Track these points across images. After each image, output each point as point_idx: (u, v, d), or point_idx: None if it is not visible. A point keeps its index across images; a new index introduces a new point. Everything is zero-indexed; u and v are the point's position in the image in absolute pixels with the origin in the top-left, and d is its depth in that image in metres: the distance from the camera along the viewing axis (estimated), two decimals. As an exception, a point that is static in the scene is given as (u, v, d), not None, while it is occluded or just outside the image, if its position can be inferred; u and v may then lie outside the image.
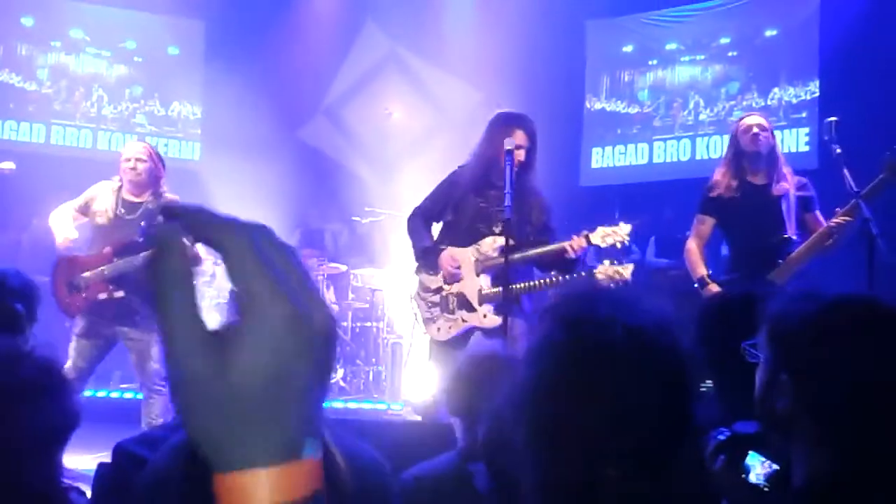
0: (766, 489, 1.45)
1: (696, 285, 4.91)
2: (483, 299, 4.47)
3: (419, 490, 1.58)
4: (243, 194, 10.60)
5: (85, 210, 5.15)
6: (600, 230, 4.50)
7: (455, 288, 4.50)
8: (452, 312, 4.48)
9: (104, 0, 11.72)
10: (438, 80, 12.30)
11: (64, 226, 4.97)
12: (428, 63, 12.33)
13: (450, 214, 4.55)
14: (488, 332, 4.41)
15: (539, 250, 4.41)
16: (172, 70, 12.19)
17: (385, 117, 12.33)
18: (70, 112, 11.72)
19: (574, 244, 4.34)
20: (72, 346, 5.01)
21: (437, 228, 4.75)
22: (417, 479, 1.61)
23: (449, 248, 4.50)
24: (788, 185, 4.76)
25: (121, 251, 4.89)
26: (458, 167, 4.72)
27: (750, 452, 1.46)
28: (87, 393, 7.93)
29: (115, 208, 5.04)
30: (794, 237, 4.73)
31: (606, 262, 4.45)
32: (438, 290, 4.54)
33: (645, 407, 1.07)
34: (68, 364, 4.94)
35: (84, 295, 4.96)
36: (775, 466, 1.44)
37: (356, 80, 12.42)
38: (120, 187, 5.16)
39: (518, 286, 4.34)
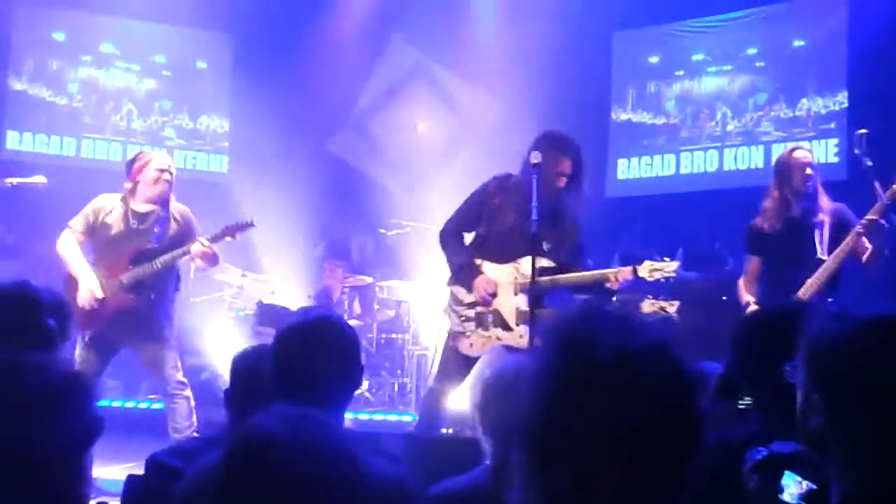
0: None
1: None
2: (521, 319, 4.42)
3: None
4: (271, 206, 10.66)
5: (91, 230, 5.14)
6: (647, 264, 4.47)
7: (492, 305, 4.45)
8: (487, 329, 4.44)
9: (134, 14, 11.86)
10: (465, 91, 12.33)
11: (89, 276, 4.92)
12: (455, 75, 12.37)
13: (483, 227, 4.53)
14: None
15: (581, 275, 4.38)
16: (201, 84, 12.32)
17: (412, 129, 12.38)
18: (100, 126, 11.86)
19: (618, 275, 4.32)
20: (77, 354, 4.97)
21: (468, 237, 4.70)
22: (445, 496, 1.61)
23: (485, 265, 4.47)
24: (825, 215, 4.74)
25: (136, 259, 4.92)
26: (493, 178, 4.67)
27: (786, 472, 1.45)
28: (117, 403, 8.03)
29: (126, 219, 5.03)
30: (825, 258, 4.70)
31: (650, 298, 4.43)
32: (473, 304, 4.49)
33: (635, 432, 1.06)
34: (75, 365, 4.92)
35: (99, 308, 4.98)
36: (812, 486, 1.43)
37: (383, 92, 12.49)
38: (125, 198, 5.10)
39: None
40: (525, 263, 4.34)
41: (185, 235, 5.11)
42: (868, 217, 4.51)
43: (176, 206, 5.24)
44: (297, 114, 12.03)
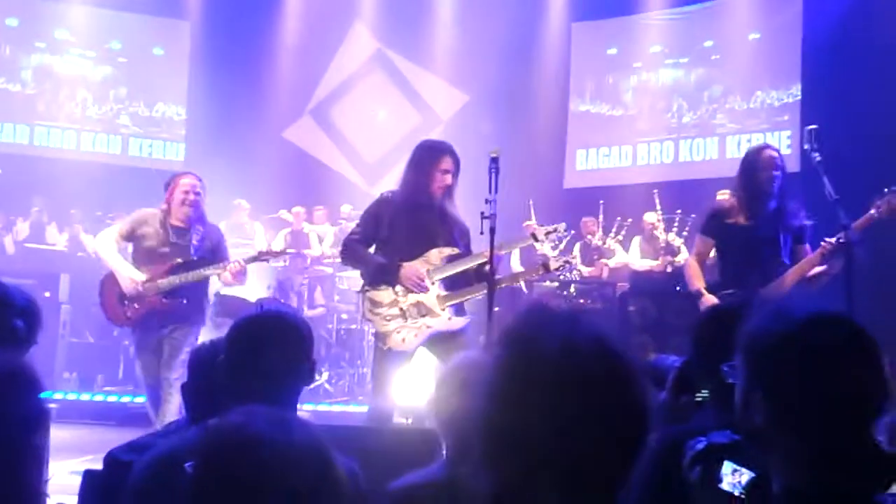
0: (742, 498, 1.48)
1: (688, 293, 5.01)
2: (443, 303, 4.69)
3: (408, 502, 1.61)
4: (228, 195, 10.59)
5: (130, 236, 5.55)
6: (542, 228, 5.03)
7: (411, 298, 4.68)
8: (416, 320, 4.67)
9: (89, 0, 11.68)
10: (424, 81, 12.33)
11: (127, 266, 5.46)
12: (414, 64, 12.37)
13: (385, 232, 4.77)
14: (452, 335, 4.64)
15: (470, 263, 4.71)
16: (157, 71, 12.16)
17: (371, 118, 12.36)
18: (54, 113, 11.68)
19: (486, 253, 4.60)
20: (137, 367, 5.49)
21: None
22: (404, 491, 1.63)
23: (404, 263, 4.71)
24: (786, 216, 4.82)
25: (175, 269, 5.40)
26: (383, 193, 5.00)
27: (725, 461, 1.50)
28: (72, 396, 7.94)
29: (165, 234, 5.47)
30: (787, 262, 4.79)
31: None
32: (394, 302, 4.70)
33: (580, 424, 1.10)
34: (141, 379, 5.43)
35: (136, 305, 5.41)
36: (749, 475, 1.47)
37: (342, 80, 12.44)
38: (165, 214, 5.54)
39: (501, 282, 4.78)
40: (433, 255, 4.69)
41: (214, 251, 5.60)
42: (829, 242, 4.60)
43: (209, 224, 5.78)
44: (255, 102, 11.95)
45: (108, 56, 11.96)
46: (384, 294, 4.70)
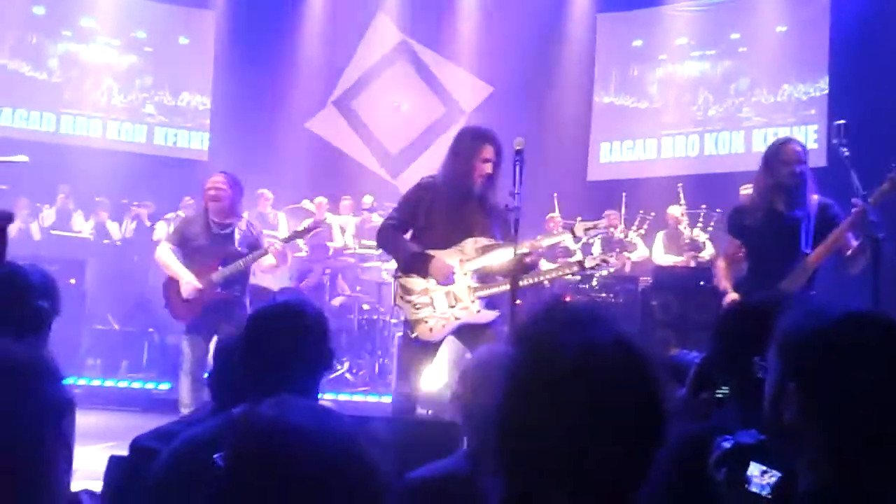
0: (769, 498, 1.47)
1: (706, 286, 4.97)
2: (473, 294, 4.62)
3: (425, 493, 1.60)
4: (251, 185, 10.61)
5: (181, 241, 5.92)
6: (581, 224, 4.79)
7: (445, 288, 4.64)
8: (444, 311, 4.62)
9: (115, -11, 11.75)
10: (448, 72, 12.30)
11: (186, 273, 5.74)
12: (438, 55, 12.34)
13: (422, 220, 4.72)
14: (480, 328, 4.59)
15: (506, 256, 4.55)
16: (182, 60, 12.22)
17: (394, 109, 12.36)
18: (80, 101, 11.76)
19: (533, 245, 4.55)
20: (185, 345, 5.80)
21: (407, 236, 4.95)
22: (424, 481, 1.63)
23: (435, 252, 4.66)
24: (811, 209, 4.75)
25: (225, 261, 5.71)
26: (424, 178, 4.92)
27: (752, 462, 1.48)
28: (97, 382, 8.02)
29: (209, 230, 5.81)
30: (808, 252, 4.73)
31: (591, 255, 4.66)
32: (424, 291, 4.66)
33: (597, 423, 1.09)
34: (186, 357, 5.69)
35: (198, 299, 5.75)
36: (777, 475, 1.46)
37: (366, 71, 12.43)
38: (206, 211, 5.88)
39: (527, 281, 4.58)
40: (468, 246, 4.62)
41: (253, 239, 5.91)
42: (849, 221, 4.54)
43: (246, 220, 6.15)
44: (279, 92, 11.98)
45: (134, 45, 12.02)
46: (416, 282, 4.67)
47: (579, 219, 4.96)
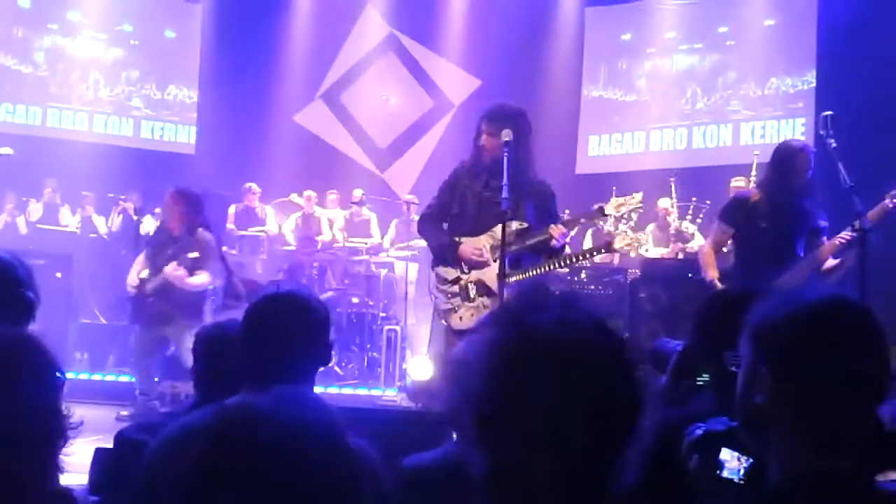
0: (741, 483, 1.49)
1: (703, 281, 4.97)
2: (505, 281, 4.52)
3: (421, 480, 1.60)
4: (238, 178, 10.60)
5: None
6: (613, 200, 4.68)
7: (474, 276, 4.61)
8: (473, 300, 4.59)
9: (101, -18, 11.68)
10: (436, 65, 12.28)
11: (135, 274, 6.55)
12: (426, 48, 12.32)
13: (456, 207, 4.68)
14: None
15: (533, 240, 4.54)
16: (169, 53, 12.16)
17: (382, 103, 12.33)
18: (66, 95, 11.68)
19: (554, 232, 4.44)
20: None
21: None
22: (418, 470, 1.63)
23: (463, 240, 4.62)
24: (811, 215, 4.77)
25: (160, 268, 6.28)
26: (460, 162, 4.82)
27: (723, 448, 1.50)
28: (83, 376, 7.98)
29: (164, 237, 6.41)
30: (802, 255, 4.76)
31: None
32: (456, 280, 4.64)
33: (571, 405, 1.10)
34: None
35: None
36: (749, 460, 1.47)
37: (354, 64, 12.40)
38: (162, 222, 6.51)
39: (533, 271, 4.50)
40: (498, 231, 4.43)
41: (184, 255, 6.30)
42: (844, 235, 4.57)
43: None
44: (266, 85, 11.93)
45: (121, 38, 11.95)
46: (449, 271, 4.65)
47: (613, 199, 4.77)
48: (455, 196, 4.67)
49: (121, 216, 10.28)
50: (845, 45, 9.28)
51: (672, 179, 9.41)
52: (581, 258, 5.02)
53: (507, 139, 4.29)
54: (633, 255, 8.42)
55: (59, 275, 8.60)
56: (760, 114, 10.46)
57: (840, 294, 1.40)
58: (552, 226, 4.37)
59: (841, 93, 8.83)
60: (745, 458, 1.49)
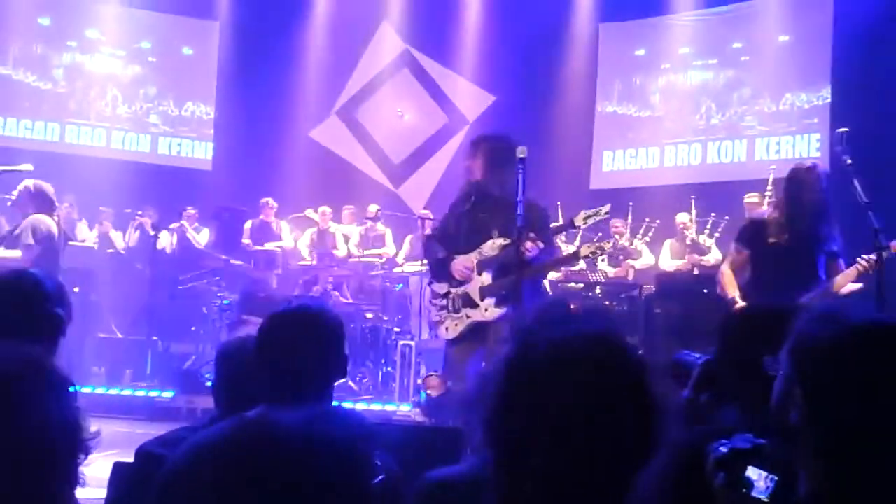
0: (767, 501, 1.47)
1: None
2: (484, 293, 4.81)
3: (445, 493, 1.61)
4: (254, 194, 10.66)
5: None
6: (582, 213, 4.99)
7: (461, 289, 4.88)
8: (458, 311, 4.86)
9: (120, 0, 11.80)
10: (451, 81, 12.34)
11: None
12: (441, 65, 12.38)
13: (453, 227, 4.99)
14: (488, 326, 4.74)
15: (503, 251, 4.78)
16: (186, 70, 12.27)
17: (397, 119, 12.39)
18: (84, 111, 11.80)
19: (530, 242, 4.62)
20: None
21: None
22: (443, 482, 1.63)
23: (458, 257, 4.91)
24: (825, 235, 4.76)
25: None
26: (465, 182, 5.10)
27: (749, 467, 1.48)
28: (100, 390, 8.03)
29: None
30: (823, 278, 4.73)
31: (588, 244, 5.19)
32: (446, 294, 4.93)
33: (572, 414, 1.11)
34: None
35: None
36: (774, 478, 1.46)
37: (369, 81, 12.47)
38: None
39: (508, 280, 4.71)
40: (486, 247, 4.83)
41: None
42: (868, 259, 4.56)
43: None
44: (282, 102, 12.02)
45: (139, 55, 12.07)
46: (441, 286, 4.97)
47: (555, 224, 5.27)
48: (453, 217, 5.02)
49: (138, 231, 10.35)
50: (860, 60, 9.27)
51: (693, 198, 9.40)
52: (553, 266, 5.65)
53: (521, 156, 4.34)
54: (599, 261, 8.50)
55: (76, 289, 8.66)
56: (775, 129, 10.44)
57: (882, 318, 1.34)
58: (527, 239, 4.49)
59: (856, 108, 8.82)
60: (772, 476, 1.47)
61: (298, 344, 2.13)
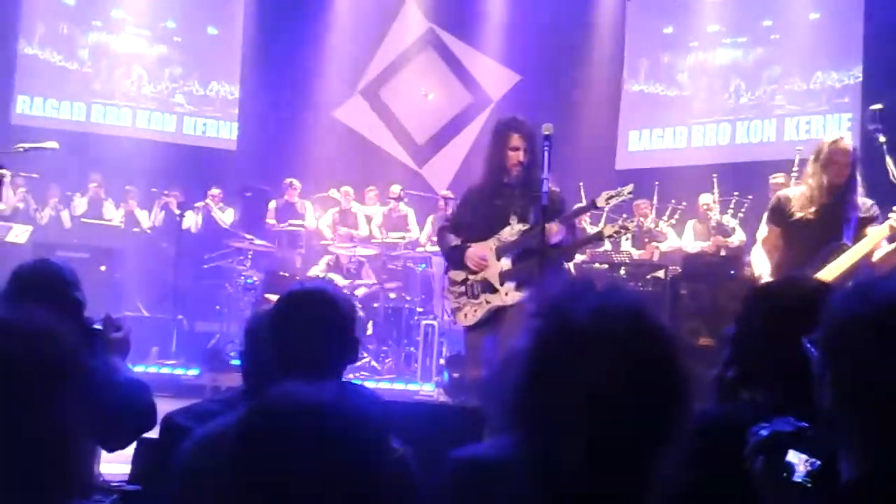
0: (809, 486, 1.42)
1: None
2: (504, 278, 4.75)
3: (471, 471, 1.59)
4: (279, 174, 10.67)
5: None
6: (604, 194, 4.88)
7: (480, 275, 4.83)
8: (477, 297, 4.81)
9: (145, -20, 11.83)
10: (475, 60, 12.26)
11: None
12: (465, 44, 12.30)
13: (468, 216, 4.92)
14: (509, 310, 4.70)
15: (528, 235, 4.72)
16: (211, 50, 12.28)
17: (421, 98, 12.34)
18: (110, 91, 11.85)
19: (551, 229, 4.55)
20: None
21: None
22: (472, 461, 1.61)
23: (474, 245, 4.84)
24: (855, 209, 4.67)
25: None
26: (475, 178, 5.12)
27: (790, 451, 1.43)
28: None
29: None
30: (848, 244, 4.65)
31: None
32: (464, 281, 4.87)
33: (609, 390, 1.09)
34: None
35: None
36: (816, 462, 1.41)
37: (393, 60, 12.42)
38: None
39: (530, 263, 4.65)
40: (505, 233, 4.77)
41: None
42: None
43: None
44: (307, 81, 12.00)
45: (164, 35, 12.09)
46: (457, 273, 4.91)
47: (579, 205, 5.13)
48: (468, 206, 4.96)
49: (163, 211, 10.40)
50: (892, 39, 9.10)
51: (714, 176, 9.28)
52: (577, 248, 5.55)
53: (547, 133, 4.30)
54: (623, 240, 8.44)
55: (102, 268, 8.74)
56: (805, 109, 10.28)
57: None
58: (547, 225, 4.42)
59: (888, 88, 8.66)
60: (813, 460, 1.42)
61: (306, 324, 2.14)
